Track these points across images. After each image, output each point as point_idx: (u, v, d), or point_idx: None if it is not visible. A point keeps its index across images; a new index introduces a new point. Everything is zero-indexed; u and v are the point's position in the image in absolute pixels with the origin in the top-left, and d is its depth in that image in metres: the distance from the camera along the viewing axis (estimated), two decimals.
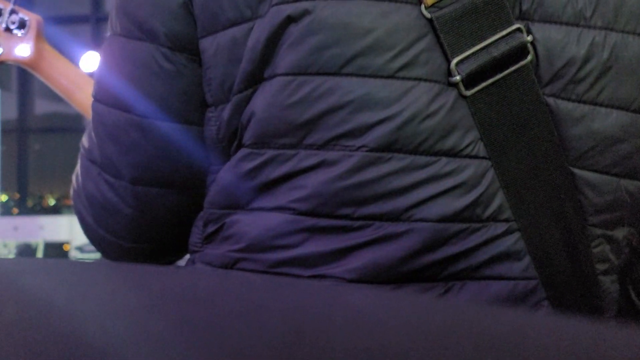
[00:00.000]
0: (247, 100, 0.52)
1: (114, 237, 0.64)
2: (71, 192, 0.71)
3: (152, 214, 0.61)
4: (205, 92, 0.54)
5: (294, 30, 0.48)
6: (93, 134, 0.61)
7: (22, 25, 0.98)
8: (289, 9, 0.48)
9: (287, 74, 0.49)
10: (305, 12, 0.48)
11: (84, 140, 0.64)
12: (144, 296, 0.21)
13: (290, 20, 0.48)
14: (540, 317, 0.20)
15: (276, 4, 0.49)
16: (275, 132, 0.50)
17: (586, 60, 0.49)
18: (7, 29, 0.99)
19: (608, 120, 0.49)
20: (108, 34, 0.60)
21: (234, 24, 0.51)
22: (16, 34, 0.99)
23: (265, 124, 0.50)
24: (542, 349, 0.16)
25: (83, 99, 0.97)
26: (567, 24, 0.49)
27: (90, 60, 1.25)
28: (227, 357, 0.16)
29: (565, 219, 0.50)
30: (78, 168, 0.66)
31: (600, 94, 0.49)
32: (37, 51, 0.98)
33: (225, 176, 0.54)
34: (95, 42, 6.10)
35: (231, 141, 0.54)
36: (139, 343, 0.17)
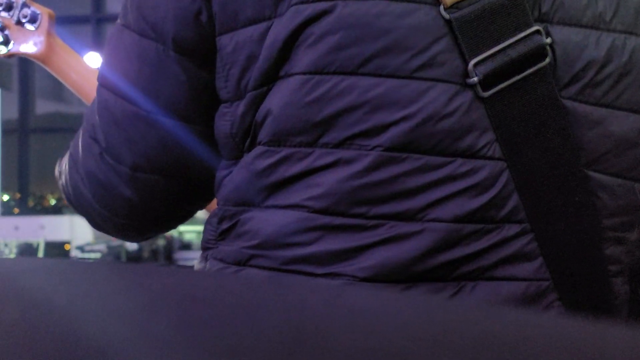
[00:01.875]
0: (263, 97, 0.52)
1: (109, 214, 0.65)
2: (64, 160, 0.71)
3: (149, 197, 0.62)
4: (221, 88, 0.55)
5: (313, 29, 0.49)
6: (97, 116, 0.62)
7: (33, 19, 0.98)
8: (308, 9, 0.49)
9: (304, 73, 0.49)
10: (325, 12, 0.48)
11: (87, 114, 0.65)
12: (144, 296, 0.21)
13: (310, 20, 0.49)
14: (544, 317, 0.20)
15: (295, 4, 0.49)
16: (292, 131, 0.50)
17: (605, 63, 0.49)
18: (19, 22, 0.98)
19: (625, 124, 0.50)
20: (119, 22, 0.60)
21: (253, 22, 0.51)
22: (27, 28, 0.99)
23: (281, 122, 0.51)
24: (545, 349, 0.16)
25: (92, 93, 0.98)
26: (586, 26, 0.49)
27: (92, 61, 1.25)
28: (227, 357, 0.16)
29: (579, 221, 0.50)
30: (78, 139, 0.66)
31: (619, 98, 0.49)
32: (49, 45, 0.98)
33: (240, 173, 0.55)
34: (96, 43, 6.10)
35: (244, 138, 0.54)
36: (139, 343, 0.17)
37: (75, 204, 0.69)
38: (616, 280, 0.52)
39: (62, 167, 0.72)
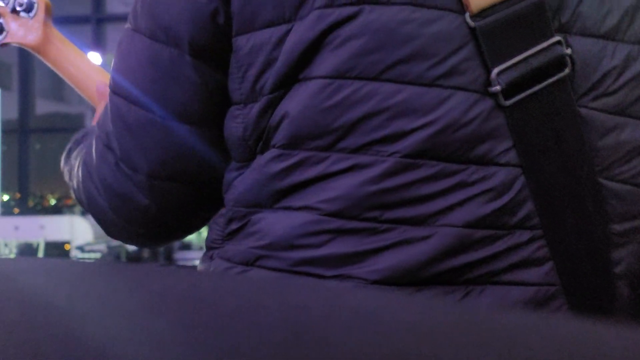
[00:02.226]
0: (279, 100, 0.52)
1: (125, 223, 0.64)
2: (75, 163, 0.70)
3: (167, 205, 0.62)
4: (234, 89, 0.54)
5: (337, 34, 0.48)
6: (110, 123, 0.61)
7: (29, 7, 0.95)
8: (334, 14, 0.48)
9: (325, 77, 0.49)
10: (349, 18, 0.48)
11: (100, 122, 0.64)
12: (144, 296, 0.21)
13: (335, 25, 0.48)
14: (546, 318, 0.20)
15: (319, 8, 0.49)
16: (309, 135, 0.50)
17: (621, 73, 0.50)
18: (14, 11, 0.95)
19: (637, 132, 0.50)
20: (128, 26, 0.59)
21: (272, 24, 0.51)
22: (23, 17, 0.95)
23: (299, 126, 0.50)
24: (543, 349, 0.16)
25: (90, 86, 0.95)
26: (603, 37, 0.49)
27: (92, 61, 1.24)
28: (227, 358, 0.16)
29: (590, 227, 0.51)
30: (91, 146, 0.65)
31: (632, 106, 0.50)
32: (45, 35, 0.94)
33: (253, 175, 0.54)
34: (96, 43, 6.11)
35: (258, 140, 0.54)
36: (139, 343, 0.17)
37: (89, 211, 0.68)
38: (619, 283, 0.53)
39: (74, 170, 0.70)
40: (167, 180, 0.59)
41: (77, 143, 0.77)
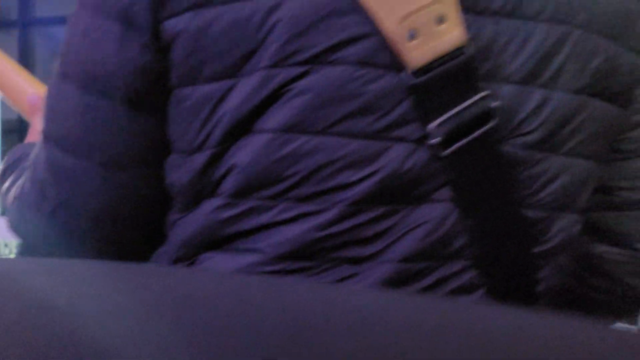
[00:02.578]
0: (225, 152, 0.53)
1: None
2: (11, 194, 0.68)
3: (107, 247, 0.62)
4: (177, 139, 0.54)
5: (285, 91, 0.51)
6: (45, 172, 0.59)
7: None
8: (280, 75, 0.50)
9: (275, 131, 0.51)
10: (297, 77, 0.50)
11: (33, 166, 0.62)
12: (144, 296, 0.21)
13: (282, 85, 0.51)
14: (537, 317, 0.20)
15: (265, 67, 0.51)
16: (258, 185, 0.52)
17: (538, 113, 0.55)
18: None
19: (551, 164, 0.57)
20: (59, 69, 0.57)
21: (216, 78, 0.52)
22: None
23: (248, 177, 0.52)
24: (538, 348, 0.16)
25: (21, 98, 0.90)
26: (522, 83, 0.55)
27: None
28: (226, 358, 0.16)
29: (516, 252, 0.57)
30: (23, 190, 0.63)
31: (546, 142, 0.56)
32: None
33: (198, 220, 0.55)
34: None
35: (202, 189, 0.54)
36: (139, 343, 0.17)
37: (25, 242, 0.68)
38: (541, 301, 0.58)
39: (9, 198, 0.69)
40: (111, 223, 0.59)
41: (13, 167, 0.75)
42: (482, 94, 0.53)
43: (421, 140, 0.52)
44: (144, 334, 0.17)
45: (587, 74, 0.56)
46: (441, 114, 0.53)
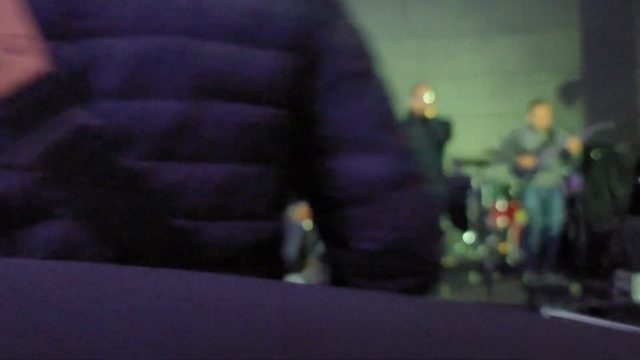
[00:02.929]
0: None
1: None
2: None
3: None
4: None
5: None
6: None
7: None
8: None
9: None
10: None
11: None
12: (143, 297, 0.22)
13: None
14: (532, 317, 0.20)
15: None
16: None
17: (146, 124, 0.54)
18: None
19: (171, 173, 0.55)
20: None
21: None
22: None
23: None
24: (535, 347, 0.16)
25: None
26: (124, 98, 0.54)
27: None
28: (226, 358, 0.16)
29: (172, 264, 0.54)
30: None
31: (163, 152, 0.55)
32: None
33: None
34: None
35: None
36: (137, 343, 0.17)
37: None
38: None
39: None
40: None
41: None
42: (79, 114, 0.53)
43: (23, 166, 0.53)
44: (142, 335, 0.17)
45: (200, 79, 0.55)
46: (38, 141, 0.52)
